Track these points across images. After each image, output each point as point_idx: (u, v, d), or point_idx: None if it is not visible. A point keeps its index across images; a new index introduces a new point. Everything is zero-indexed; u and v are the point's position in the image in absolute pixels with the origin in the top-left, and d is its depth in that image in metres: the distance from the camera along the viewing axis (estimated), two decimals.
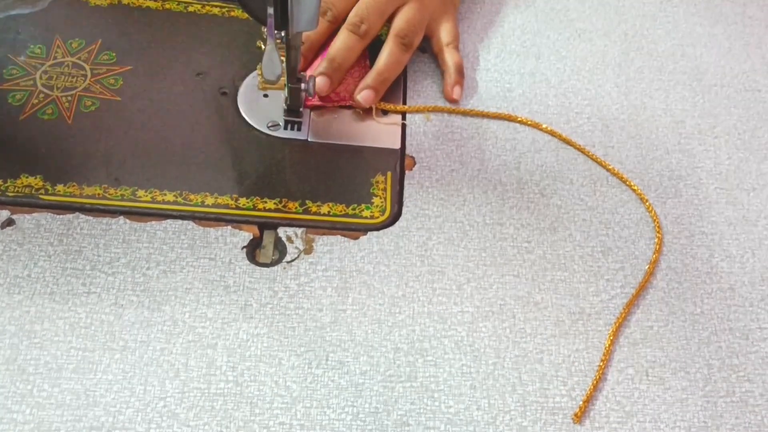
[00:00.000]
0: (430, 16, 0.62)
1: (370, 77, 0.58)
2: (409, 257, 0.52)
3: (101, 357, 0.46)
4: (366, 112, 0.58)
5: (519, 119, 0.59)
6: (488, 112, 0.60)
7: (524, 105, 0.61)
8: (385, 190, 0.55)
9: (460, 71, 0.61)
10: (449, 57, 0.61)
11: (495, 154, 0.58)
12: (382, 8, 0.59)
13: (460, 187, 0.56)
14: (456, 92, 0.60)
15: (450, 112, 0.59)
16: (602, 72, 0.65)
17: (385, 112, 0.59)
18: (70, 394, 0.44)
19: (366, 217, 0.53)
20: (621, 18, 0.69)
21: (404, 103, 0.60)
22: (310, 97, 0.57)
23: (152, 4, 0.64)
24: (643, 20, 0.69)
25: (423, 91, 0.61)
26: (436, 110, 0.59)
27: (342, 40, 0.58)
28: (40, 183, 0.52)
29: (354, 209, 0.53)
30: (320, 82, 0.56)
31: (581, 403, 0.46)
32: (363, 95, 0.57)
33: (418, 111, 0.59)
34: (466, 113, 0.59)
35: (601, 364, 0.47)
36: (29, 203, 0.51)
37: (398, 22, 0.59)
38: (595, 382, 0.47)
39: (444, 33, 0.62)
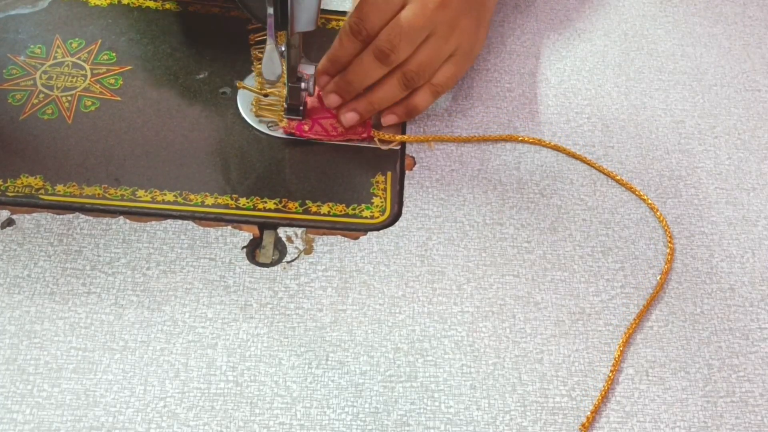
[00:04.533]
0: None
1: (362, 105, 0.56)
2: (409, 257, 0.52)
3: (101, 357, 0.46)
4: (365, 142, 0.57)
5: (521, 138, 0.59)
6: (489, 136, 0.58)
7: (524, 105, 0.61)
8: (385, 190, 0.55)
9: (409, 112, 0.57)
10: (417, 94, 0.57)
11: (495, 154, 0.58)
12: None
13: (460, 187, 0.56)
14: (387, 119, 0.57)
15: (452, 141, 0.58)
16: (602, 72, 0.65)
17: (385, 141, 0.57)
18: (70, 394, 0.44)
19: (366, 217, 0.53)
20: (621, 18, 0.69)
21: (403, 132, 0.59)
22: (302, 123, 0.56)
23: (152, 4, 0.64)
24: (643, 20, 0.69)
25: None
26: (436, 139, 0.58)
27: (390, 91, 0.56)
28: (40, 183, 0.52)
29: (354, 209, 0.53)
30: (351, 117, 0.56)
31: (588, 413, 0.46)
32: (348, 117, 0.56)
33: (417, 140, 0.58)
34: (467, 140, 0.58)
35: (611, 375, 0.47)
36: (29, 203, 0.51)
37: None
38: (603, 392, 0.47)
39: (441, 73, 0.57)
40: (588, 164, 0.58)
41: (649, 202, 0.56)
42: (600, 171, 0.57)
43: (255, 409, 0.45)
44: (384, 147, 0.57)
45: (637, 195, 0.56)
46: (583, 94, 0.63)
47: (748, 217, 0.56)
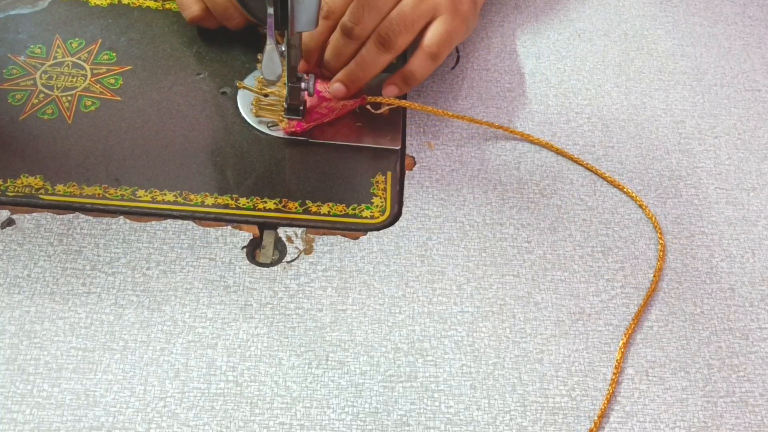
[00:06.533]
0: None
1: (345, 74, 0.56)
2: (409, 257, 0.52)
3: (101, 357, 0.46)
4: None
5: (510, 130, 0.58)
6: (480, 120, 0.58)
7: (524, 105, 0.61)
8: (385, 190, 0.55)
9: (406, 79, 0.56)
10: (411, 60, 0.56)
11: (495, 154, 0.58)
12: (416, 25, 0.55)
13: (460, 187, 0.56)
14: (387, 90, 0.57)
15: (445, 115, 0.58)
16: (602, 72, 0.65)
17: (377, 106, 0.58)
18: (70, 394, 0.44)
19: (366, 217, 0.53)
20: (621, 18, 0.69)
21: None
22: (301, 121, 0.56)
23: (152, 4, 0.64)
24: (643, 20, 0.69)
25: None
26: (430, 111, 0.58)
27: (368, 54, 0.55)
28: (40, 183, 0.52)
29: (354, 209, 0.53)
30: (336, 87, 0.56)
31: (596, 418, 0.46)
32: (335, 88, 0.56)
33: (412, 107, 0.58)
34: (458, 118, 0.58)
35: (613, 376, 0.47)
36: (29, 203, 0.51)
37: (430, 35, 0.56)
38: (608, 396, 0.46)
39: (430, 33, 0.55)
40: (579, 163, 0.58)
41: (638, 199, 0.56)
42: (592, 170, 0.57)
43: (255, 409, 0.45)
44: (376, 111, 0.57)
45: (625, 193, 0.56)
46: (583, 94, 0.63)
47: (748, 217, 0.56)
